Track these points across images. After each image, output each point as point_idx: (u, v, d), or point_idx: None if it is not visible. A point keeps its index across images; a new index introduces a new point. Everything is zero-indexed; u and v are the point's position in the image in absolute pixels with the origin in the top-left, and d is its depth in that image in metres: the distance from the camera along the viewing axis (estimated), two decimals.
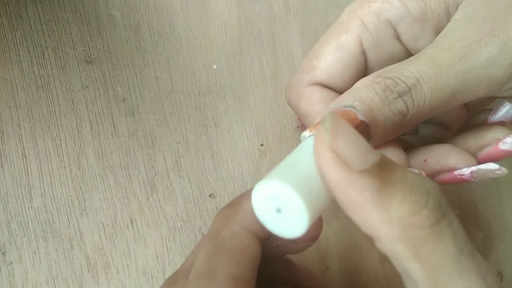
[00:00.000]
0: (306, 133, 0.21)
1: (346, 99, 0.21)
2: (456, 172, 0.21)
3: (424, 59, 0.21)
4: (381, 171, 0.16)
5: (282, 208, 0.17)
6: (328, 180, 0.17)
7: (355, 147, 0.16)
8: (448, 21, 0.22)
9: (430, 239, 0.16)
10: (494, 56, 0.20)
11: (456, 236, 0.16)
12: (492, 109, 0.24)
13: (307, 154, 0.18)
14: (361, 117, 0.20)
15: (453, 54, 0.20)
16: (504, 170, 0.20)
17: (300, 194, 0.17)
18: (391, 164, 0.17)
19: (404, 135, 0.27)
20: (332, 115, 0.17)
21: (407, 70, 0.20)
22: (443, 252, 0.16)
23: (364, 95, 0.20)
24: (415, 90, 0.20)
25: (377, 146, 0.22)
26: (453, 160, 0.22)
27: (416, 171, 0.22)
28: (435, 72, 0.20)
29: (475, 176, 0.21)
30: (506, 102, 0.23)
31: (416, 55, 0.21)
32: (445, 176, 0.22)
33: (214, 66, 0.31)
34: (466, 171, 0.21)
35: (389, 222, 0.16)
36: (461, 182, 0.21)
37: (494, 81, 0.20)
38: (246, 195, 0.22)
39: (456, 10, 0.21)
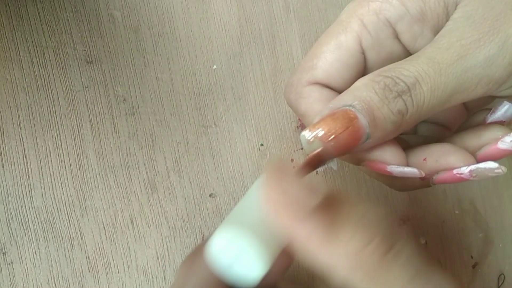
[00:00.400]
0: (305, 133, 0.21)
1: (345, 98, 0.21)
2: (455, 171, 0.21)
3: (424, 59, 0.21)
4: (326, 210, 0.17)
5: (239, 257, 0.18)
6: (277, 227, 0.17)
7: (295, 194, 0.17)
8: (447, 20, 0.22)
9: (383, 268, 0.16)
10: (493, 55, 0.20)
11: (409, 261, 0.17)
12: (491, 109, 0.24)
13: (255, 200, 0.19)
14: (360, 117, 0.20)
15: (452, 54, 0.20)
16: (503, 169, 0.20)
17: (253, 240, 0.17)
18: (338, 199, 0.17)
19: (402, 135, 0.27)
20: (269, 167, 0.18)
21: (407, 69, 0.20)
22: (396, 278, 0.16)
23: (364, 95, 0.20)
24: (415, 90, 0.20)
25: (376, 146, 0.22)
26: (452, 159, 0.21)
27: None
28: (435, 71, 0.20)
29: (474, 175, 0.21)
30: (505, 102, 0.23)
31: (416, 54, 0.21)
32: (444, 175, 0.22)
33: (214, 66, 0.31)
34: (465, 170, 0.21)
35: (341, 256, 0.16)
36: (460, 181, 0.21)
37: (493, 80, 0.20)
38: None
39: (455, 9, 0.22)
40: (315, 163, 0.21)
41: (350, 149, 0.21)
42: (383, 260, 0.16)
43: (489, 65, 0.20)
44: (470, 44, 0.20)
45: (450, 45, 0.20)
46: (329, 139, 0.20)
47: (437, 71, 0.20)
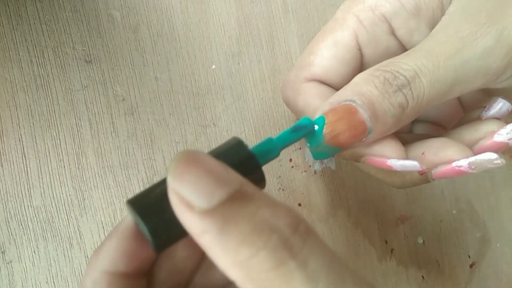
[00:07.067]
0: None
1: (346, 93, 0.21)
2: (454, 164, 0.21)
3: (422, 52, 0.21)
4: (227, 208, 0.15)
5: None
6: (177, 215, 0.16)
7: (201, 186, 0.15)
8: (442, 15, 0.22)
9: (277, 281, 0.14)
10: (489, 47, 0.20)
11: (312, 277, 0.14)
12: (486, 106, 0.24)
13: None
14: (361, 111, 0.20)
15: (449, 47, 0.20)
16: (503, 161, 0.20)
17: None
18: (247, 198, 0.15)
19: (399, 134, 0.27)
20: (185, 153, 0.16)
21: (406, 63, 0.20)
22: None
23: (364, 89, 0.20)
24: (414, 83, 0.20)
25: (376, 140, 0.22)
26: (451, 152, 0.21)
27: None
28: (433, 64, 0.20)
29: (473, 167, 0.21)
30: (500, 99, 0.23)
31: (413, 48, 0.22)
32: (443, 169, 0.22)
33: (213, 66, 0.31)
34: (464, 163, 0.21)
35: (233, 265, 0.15)
36: (459, 174, 0.21)
37: (491, 71, 0.20)
38: (107, 237, 0.20)
39: (450, 3, 0.22)
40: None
41: (352, 143, 0.21)
42: (276, 272, 0.14)
43: (486, 56, 0.20)
44: (467, 36, 0.20)
45: (447, 38, 0.21)
46: (332, 135, 0.21)
47: (436, 64, 0.20)
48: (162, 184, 0.19)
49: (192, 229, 0.15)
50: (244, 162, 0.19)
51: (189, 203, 0.15)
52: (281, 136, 0.21)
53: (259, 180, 0.20)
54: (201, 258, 0.22)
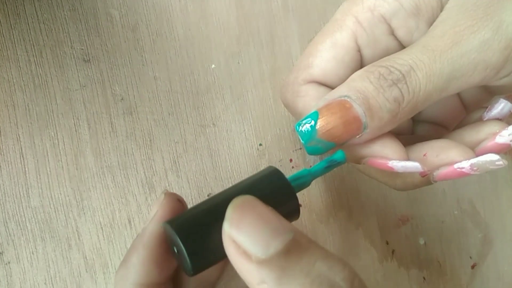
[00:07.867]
0: (300, 122, 0.21)
1: (341, 89, 0.21)
2: (455, 166, 0.21)
3: (417, 47, 0.21)
4: (284, 259, 0.16)
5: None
6: (231, 261, 0.17)
7: (258, 235, 0.16)
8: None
9: None
10: (487, 39, 0.20)
11: None
12: (487, 107, 0.24)
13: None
14: (356, 106, 0.20)
15: (446, 40, 0.20)
16: (504, 162, 0.20)
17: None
18: (302, 248, 0.16)
19: (400, 135, 0.27)
20: (241, 199, 0.17)
21: (401, 58, 0.20)
22: None
23: (359, 85, 0.20)
24: (410, 77, 0.20)
25: (375, 140, 0.22)
26: (453, 153, 0.21)
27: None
28: (429, 58, 0.20)
29: (475, 168, 0.20)
30: (501, 99, 0.23)
31: (410, 45, 0.21)
32: (445, 171, 0.21)
33: (213, 66, 0.31)
34: (466, 164, 0.21)
35: None
36: (461, 176, 0.21)
37: (490, 65, 0.20)
38: (133, 249, 0.21)
39: (448, 0, 0.22)
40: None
41: (347, 139, 0.21)
42: None
43: (484, 49, 0.20)
44: (464, 30, 0.20)
45: (444, 33, 0.20)
46: (326, 129, 0.20)
47: (432, 57, 0.20)
48: (201, 208, 0.19)
49: (249, 278, 0.16)
50: (281, 192, 0.20)
51: (246, 252, 0.16)
52: (316, 169, 0.22)
53: (294, 210, 0.21)
54: (223, 266, 0.24)
